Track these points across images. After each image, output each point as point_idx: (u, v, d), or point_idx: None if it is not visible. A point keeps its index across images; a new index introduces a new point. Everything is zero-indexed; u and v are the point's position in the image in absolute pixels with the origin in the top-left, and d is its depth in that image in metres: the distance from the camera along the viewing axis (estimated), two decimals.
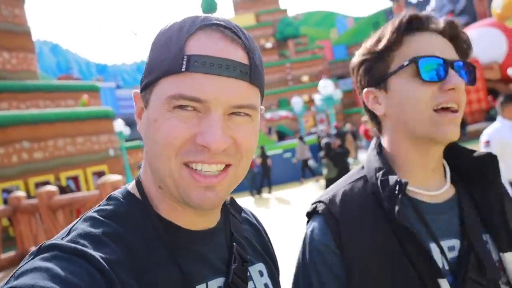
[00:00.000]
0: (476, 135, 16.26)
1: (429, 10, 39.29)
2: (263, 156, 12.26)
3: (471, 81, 0.75)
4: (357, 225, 0.74)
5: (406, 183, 0.71)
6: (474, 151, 0.79)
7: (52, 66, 59.91)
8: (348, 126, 18.02)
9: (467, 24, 32.01)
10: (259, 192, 12.45)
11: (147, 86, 0.57)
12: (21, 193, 6.87)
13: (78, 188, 11.10)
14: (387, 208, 0.72)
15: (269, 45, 42.60)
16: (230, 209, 0.71)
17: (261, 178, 12.41)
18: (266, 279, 0.71)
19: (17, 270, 0.50)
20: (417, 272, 0.69)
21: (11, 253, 6.71)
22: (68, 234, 0.54)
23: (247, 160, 0.57)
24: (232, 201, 0.73)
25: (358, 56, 0.83)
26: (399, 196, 0.71)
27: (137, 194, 0.61)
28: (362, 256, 0.72)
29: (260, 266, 0.71)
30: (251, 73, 0.54)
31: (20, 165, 10.25)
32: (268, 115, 26.06)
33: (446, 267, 0.71)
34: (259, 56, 0.58)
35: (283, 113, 27.56)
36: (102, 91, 16.82)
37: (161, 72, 0.54)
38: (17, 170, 10.17)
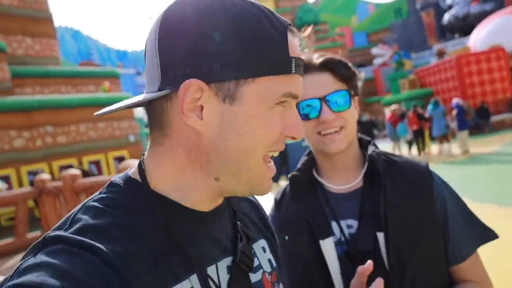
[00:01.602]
0: (500, 125, 15.86)
1: None
2: None
3: (347, 104, 0.96)
4: (283, 206, 1.09)
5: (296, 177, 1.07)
6: (384, 155, 1.04)
7: (74, 53, 60.78)
8: (366, 115, 17.79)
9: (493, 11, 30.87)
10: (277, 180, 12.51)
11: (227, 78, 0.51)
12: (46, 176, 7.10)
13: (100, 172, 11.37)
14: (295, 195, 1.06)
15: None
16: None
17: (279, 166, 12.45)
18: (269, 254, 0.72)
19: (21, 264, 0.48)
20: (309, 236, 0.98)
21: (36, 233, 6.98)
22: (70, 224, 0.51)
23: None
24: None
25: None
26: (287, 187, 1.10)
27: (138, 178, 0.59)
28: (285, 224, 1.05)
29: (262, 242, 0.72)
30: None
31: (44, 148, 10.56)
32: None
33: (342, 239, 0.97)
34: None
35: None
36: (122, 77, 17.03)
37: (267, 71, 0.52)
38: (42, 153, 10.48)
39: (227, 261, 0.61)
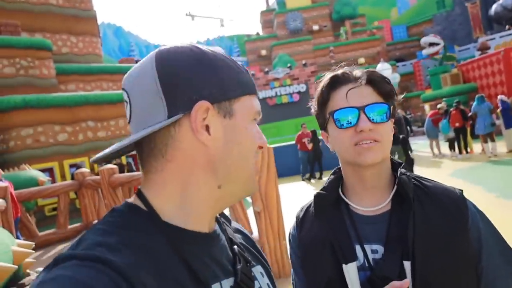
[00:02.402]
0: None
1: None
2: (315, 140, 12.13)
3: (385, 118, 0.94)
4: (306, 226, 1.05)
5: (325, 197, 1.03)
6: (415, 179, 1.00)
7: (115, 48, 62.84)
8: (399, 112, 17.24)
9: None
10: (310, 176, 12.40)
11: (223, 99, 0.64)
12: (85, 170, 7.41)
13: (136, 166, 11.73)
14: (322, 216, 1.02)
15: (324, 26, 41.40)
16: (221, 219, 0.77)
17: (312, 163, 12.33)
18: (266, 279, 0.76)
19: (35, 280, 0.51)
20: (331, 258, 0.94)
21: (76, 225, 7.32)
22: (78, 244, 0.56)
23: None
24: (222, 213, 0.78)
25: (313, 102, 1.06)
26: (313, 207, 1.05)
27: (141, 206, 0.63)
28: (306, 244, 1.03)
29: (260, 268, 0.76)
30: None
31: (86, 142, 11.02)
32: None
33: (366, 264, 0.93)
34: None
35: None
36: None
37: (246, 91, 0.67)
38: (83, 147, 10.94)
39: (229, 281, 0.65)
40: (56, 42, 13.85)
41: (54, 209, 9.38)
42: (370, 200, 0.99)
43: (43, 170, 9.27)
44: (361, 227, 0.97)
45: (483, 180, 7.78)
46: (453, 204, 0.93)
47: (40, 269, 3.61)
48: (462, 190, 0.98)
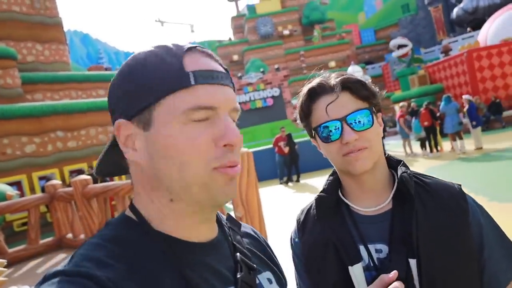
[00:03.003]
0: None
1: None
2: (290, 143, 12.20)
3: (368, 124, 0.92)
4: (308, 229, 1.03)
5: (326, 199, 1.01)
6: (415, 176, 0.99)
7: (83, 56, 61.34)
8: None
9: (503, 3, 30.34)
10: (288, 179, 12.44)
11: (142, 109, 0.58)
12: (56, 181, 7.13)
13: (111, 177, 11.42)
14: (322, 218, 1.00)
15: (294, 31, 41.94)
16: (229, 224, 0.75)
17: (289, 166, 12.39)
18: (275, 285, 0.73)
19: None
20: (336, 260, 0.93)
21: (49, 239, 7.02)
22: (70, 260, 0.56)
23: None
24: (230, 217, 0.77)
25: (296, 114, 1.04)
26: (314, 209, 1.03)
27: (133, 216, 0.63)
28: (309, 247, 1.01)
29: (268, 274, 0.74)
30: (231, 82, 0.66)
31: (55, 153, 10.64)
32: (294, 102, 25.74)
33: (371, 264, 0.92)
34: None
35: None
36: None
37: (165, 90, 0.57)
38: (52, 158, 10.56)
39: None
40: (20, 51, 13.34)
41: (24, 224, 8.99)
42: (370, 200, 0.99)
43: (10, 184, 8.87)
44: (363, 227, 0.96)
45: (454, 176, 8.06)
46: (453, 200, 0.93)
47: (13, 287, 3.42)
48: (460, 185, 0.98)
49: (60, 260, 6.01)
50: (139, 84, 0.58)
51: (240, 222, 0.80)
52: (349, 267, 0.91)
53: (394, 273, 0.81)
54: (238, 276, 0.64)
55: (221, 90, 0.61)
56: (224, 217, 0.77)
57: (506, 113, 15.94)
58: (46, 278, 0.52)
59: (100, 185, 5.81)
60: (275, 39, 41.00)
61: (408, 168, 1.00)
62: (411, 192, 0.92)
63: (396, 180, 0.98)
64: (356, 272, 0.90)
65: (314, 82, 0.98)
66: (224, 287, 0.62)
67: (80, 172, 10.13)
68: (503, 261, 0.92)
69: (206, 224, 0.66)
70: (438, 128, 12.04)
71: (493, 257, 0.91)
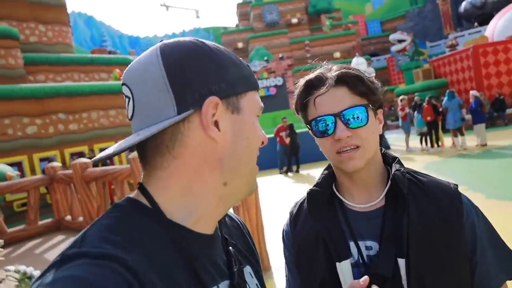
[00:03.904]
0: None
1: None
2: (292, 134, 12.19)
3: (363, 121, 0.90)
4: (300, 222, 1.03)
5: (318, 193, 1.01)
6: (410, 173, 0.98)
7: (86, 39, 60.99)
8: None
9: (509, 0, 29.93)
10: (288, 169, 12.47)
11: (231, 94, 0.63)
12: (57, 164, 7.16)
13: (111, 160, 11.47)
14: (313, 212, 1.00)
15: (300, 19, 41.49)
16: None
17: (290, 156, 12.40)
18: (255, 280, 0.75)
19: (44, 279, 0.49)
20: (325, 256, 0.93)
21: (47, 221, 7.08)
22: (83, 241, 0.54)
23: None
24: None
25: (292, 107, 1.05)
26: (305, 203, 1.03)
27: (145, 202, 0.62)
28: (300, 241, 1.02)
29: (248, 268, 0.76)
30: None
31: (57, 135, 10.65)
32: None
33: (360, 261, 0.92)
34: None
35: None
36: None
37: (251, 86, 0.67)
38: (54, 140, 10.58)
39: (224, 284, 0.64)
40: (23, 31, 13.26)
41: (23, 204, 9.05)
42: (363, 197, 0.98)
43: (11, 164, 8.90)
44: (355, 224, 0.96)
45: (454, 172, 8.03)
46: (448, 200, 0.92)
47: (11, 267, 3.46)
48: (457, 185, 0.97)
49: (58, 242, 6.07)
50: (233, 73, 0.64)
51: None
52: (337, 263, 0.91)
53: (365, 279, 0.81)
54: (235, 269, 0.66)
55: None
56: None
57: (509, 110, 15.86)
58: (66, 259, 0.50)
59: (99, 168, 5.82)
60: (281, 27, 40.65)
61: (403, 166, 0.99)
62: (404, 191, 0.91)
63: (390, 177, 0.96)
64: (344, 268, 0.90)
65: (313, 74, 0.97)
66: (221, 279, 0.64)
67: (81, 155, 10.15)
68: (495, 264, 0.91)
69: (217, 219, 0.68)
70: (440, 124, 11.99)
71: (485, 260, 0.90)
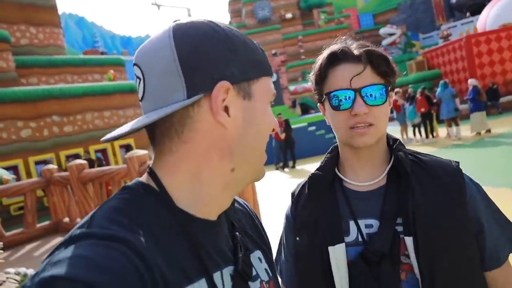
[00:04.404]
0: (511, 106, 15.59)
1: None
2: (287, 129, 12.21)
3: (381, 100, 0.92)
4: (300, 206, 1.04)
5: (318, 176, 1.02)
6: (412, 154, 0.99)
7: (78, 40, 60.60)
8: None
9: None
10: (284, 165, 12.49)
11: (242, 79, 0.62)
12: (53, 166, 7.14)
13: (107, 161, 11.42)
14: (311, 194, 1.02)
15: (291, 15, 41.46)
16: None
17: (285, 151, 12.43)
18: (264, 264, 0.75)
19: (52, 257, 0.49)
20: (319, 239, 0.94)
21: (45, 223, 7.06)
22: (91, 222, 0.54)
23: None
24: None
25: (311, 76, 1.03)
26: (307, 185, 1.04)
27: (153, 185, 0.62)
28: (300, 224, 1.02)
29: (258, 253, 0.75)
30: None
31: (51, 138, 10.61)
32: (292, 88, 25.62)
33: (359, 239, 0.93)
34: None
35: (307, 85, 27.09)
36: (127, 65, 16.95)
37: (264, 72, 0.65)
38: (49, 143, 10.54)
39: (229, 269, 0.64)
40: (14, 33, 13.16)
41: (20, 208, 9.02)
42: (366, 174, 0.99)
43: (6, 168, 8.86)
44: (355, 203, 0.96)
45: None
46: (450, 178, 0.93)
47: (11, 269, 3.46)
48: (458, 162, 0.98)
49: (57, 244, 6.06)
50: (246, 57, 0.62)
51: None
52: (330, 248, 0.91)
53: None
54: (240, 255, 0.65)
55: None
56: None
57: (503, 99, 15.95)
58: (73, 239, 0.51)
59: (95, 169, 5.82)
60: (273, 23, 40.59)
61: (404, 147, 1.00)
62: (407, 170, 0.92)
63: (392, 157, 0.98)
64: (338, 252, 0.91)
65: (336, 47, 0.95)
66: (225, 264, 0.64)
67: (76, 157, 10.12)
68: (501, 236, 0.93)
69: (226, 203, 0.67)
70: (434, 114, 12.04)
71: (493, 233, 0.92)
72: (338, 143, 1.04)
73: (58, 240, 6.30)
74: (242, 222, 0.76)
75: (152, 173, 0.63)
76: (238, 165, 0.64)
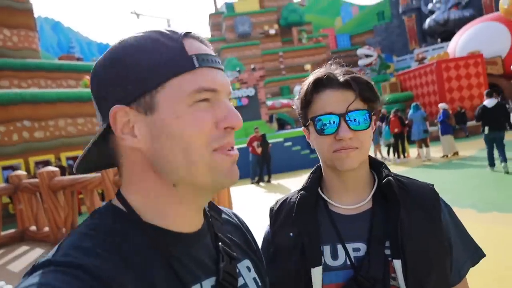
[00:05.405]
0: (477, 130, 16.28)
1: (434, 2, 38.72)
2: (264, 143, 12.28)
3: (365, 125, 0.94)
4: (278, 224, 1.04)
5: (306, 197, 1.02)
6: (398, 179, 1.01)
7: (53, 44, 59.26)
8: None
9: (472, 17, 31.65)
10: (259, 179, 12.52)
11: (142, 94, 0.58)
12: (21, 172, 6.90)
13: None
14: (296, 216, 1.00)
15: (272, 31, 42.03)
16: (211, 213, 0.74)
17: (261, 166, 12.47)
18: (253, 274, 0.74)
19: (17, 287, 0.51)
20: (298, 262, 0.94)
21: (11, 231, 6.79)
22: (57, 250, 0.55)
23: None
24: (212, 205, 0.77)
25: (296, 101, 1.04)
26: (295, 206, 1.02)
27: (121, 206, 0.62)
28: (279, 243, 1.02)
29: (247, 262, 0.75)
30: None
31: (21, 143, 10.27)
32: (269, 103, 25.88)
33: (348, 263, 0.93)
34: None
35: (284, 101, 27.46)
36: None
37: (170, 73, 0.58)
38: (18, 148, 10.19)
39: (211, 281, 0.64)
40: None
41: None
42: (350, 197, 1.00)
43: None
44: (341, 226, 0.97)
45: None
46: (430, 201, 0.97)
47: None
48: (433, 185, 1.03)
49: (22, 253, 5.83)
50: (138, 68, 0.57)
51: (220, 208, 0.80)
52: (312, 269, 0.93)
53: None
54: (221, 266, 0.65)
55: (220, 73, 0.63)
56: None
57: (470, 123, 16.64)
58: (35, 268, 0.52)
59: (68, 177, 5.67)
60: (253, 39, 41.06)
61: (389, 170, 1.03)
62: (397, 196, 0.94)
63: (376, 181, 1.00)
64: (316, 274, 0.92)
65: (321, 73, 0.98)
66: (206, 276, 0.63)
67: (46, 163, 9.83)
68: (463, 254, 0.98)
69: (198, 214, 0.67)
70: (405, 135, 12.45)
71: (458, 251, 0.97)
72: (322, 165, 1.05)
73: (23, 248, 6.06)
74: (228, 232, 0.76)
75: (118, 194, 0.64)
76: (177, 180, 0.61)
